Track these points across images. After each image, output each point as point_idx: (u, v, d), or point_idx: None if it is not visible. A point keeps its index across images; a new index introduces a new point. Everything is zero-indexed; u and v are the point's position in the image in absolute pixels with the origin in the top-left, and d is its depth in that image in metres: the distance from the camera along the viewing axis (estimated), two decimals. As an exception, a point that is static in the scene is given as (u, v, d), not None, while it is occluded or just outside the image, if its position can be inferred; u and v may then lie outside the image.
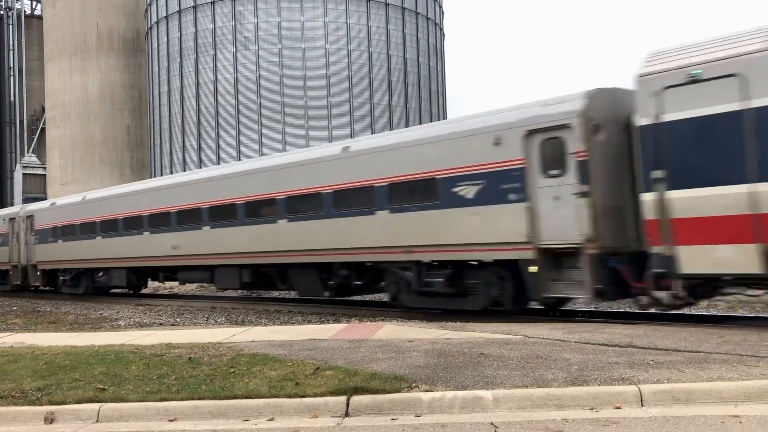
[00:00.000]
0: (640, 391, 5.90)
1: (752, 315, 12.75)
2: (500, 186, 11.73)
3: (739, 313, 13.15)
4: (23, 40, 60.48)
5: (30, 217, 27.51)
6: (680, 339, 8.19)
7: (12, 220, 28.84)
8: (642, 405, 5.82)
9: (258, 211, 16.75)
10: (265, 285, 17.98)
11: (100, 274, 23.52)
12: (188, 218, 18.89)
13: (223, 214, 17.72)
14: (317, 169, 15.30)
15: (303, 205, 15.49)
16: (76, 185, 46.30)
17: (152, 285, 29.81)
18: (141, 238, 20.85)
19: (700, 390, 5.86)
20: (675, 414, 5.53)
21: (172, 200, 19.61)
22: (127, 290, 24.50)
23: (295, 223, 15.67)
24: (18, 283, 28.32)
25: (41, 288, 27.56)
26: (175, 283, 27.03)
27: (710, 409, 5.61)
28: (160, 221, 20.07)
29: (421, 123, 36.43)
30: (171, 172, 37.54)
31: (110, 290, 24.67)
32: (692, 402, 5.78)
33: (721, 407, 5.65)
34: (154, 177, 39.99)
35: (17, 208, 29.45)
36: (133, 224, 21.25)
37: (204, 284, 22.17)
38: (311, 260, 15.38)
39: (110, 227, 22.35)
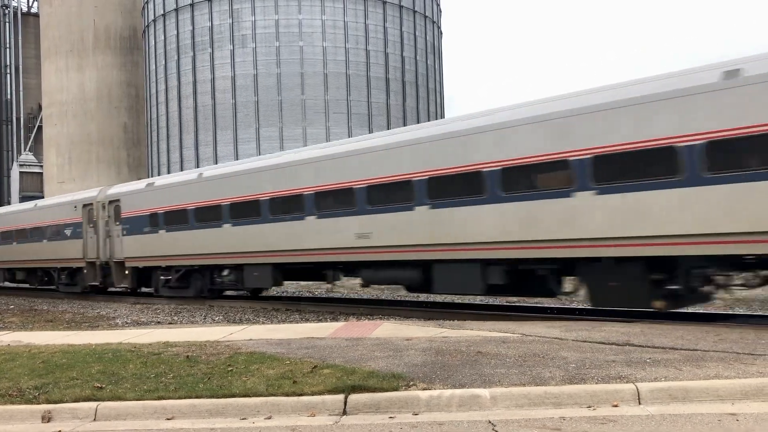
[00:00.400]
0: (637, 389, 5.91)
1: (749, 313, 12.77)
2: None
3: (736, 311, 13.17)
4: (20, 37, 60.37)
5: (114, 202, 21.99)
6: (677, 337, 8.20)
7: (87, 206, 23.19)
8: (639, 403, 5.82)
9: (529, 181, 11.64)
10: (524, 289, 12.88)
11: (225, 272, 18.45)
12: (388, 196, 13.77)
13: (456, 189, 12.57)
14: (663, 110, 9.75)
15: (631, 169, 10.25)
16: (73, 183, 46.25)
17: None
18: (302, 224, 15.57)
19: (697, 388, 5.87)
20: (672, 412, 5.54)
21: (357, 172, 14.43)
22: (240, 292, 20.31)
23: (610, 196, 10.47)
24: (95, 283, 23.26)
25: (128, 290, 22.44)
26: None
27: (707, 407, 5.62)
28: (335, 202, 14.89)
29: (419, 122, 36.48)
30: (168, 171, 37.51)
31: (224, 292, 20.11)
32: (689, 400, 5.78)
33: (719, 405, 5.67)
34: (152, 176, 39.92)
35: (94, 192, 23.83)
36: (287, 206, 15.96)
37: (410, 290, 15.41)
38: (641, 253, 10.28)
39: (247, 212, 17.06)
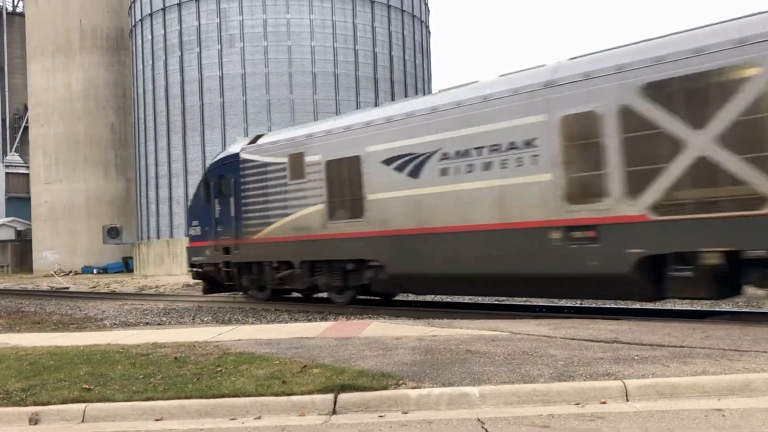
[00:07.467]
0: (625, 386, 5.95)
1: (735, 310, 12.88)
2: None
3: (723, 308, 13.27)
4: (5, 37, 59.93)
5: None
6: (665, 334, 8.26)
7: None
8: (627, 400, 5.87)
9: None
10: None
11: None
12: None
13: None
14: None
15: None
16: (60, 184, 45.99)
17: (142, 283, 29.41)
18: None
19: (684, 384, 5.92)
20: (660, 408, 5.59)
21: None
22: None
23: None
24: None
25: None
26: (163, 283, 26.44)
27: (694, 403, 5.67)
28: None
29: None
30: (156, 172, 37.32)
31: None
32: (676, 396, 5.83)
33: (705, 401, 5.72)
34: (139, 176, 39.66)
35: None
36: None
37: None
38: None
39: None
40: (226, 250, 17.05)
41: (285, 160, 15.41)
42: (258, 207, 16.10)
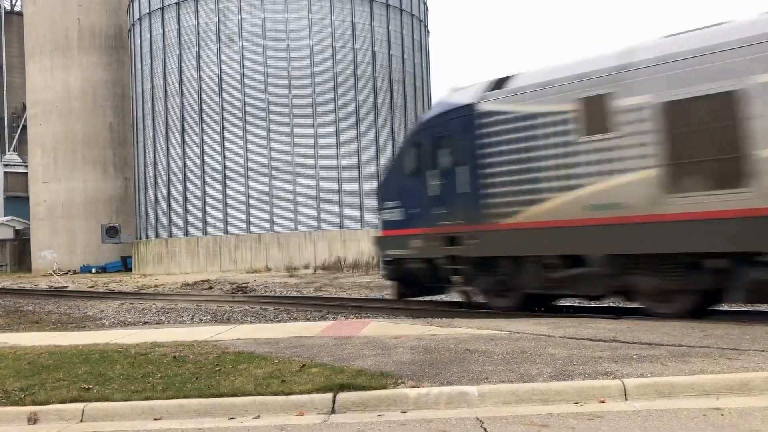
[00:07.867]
0: (624, 385, 5.95)
1: (734, 309, 12.88)
2: None
3: (722, 307, 13.26)
4: (3, 36, 59.87)
5: None
6: (663, 333, 8.27)
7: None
8: (626, 399, 5.87)
9: None
10: None
11: None
12: None
13: None
14: None
15: None
16: (59, 183, 45.97)
17: (141, 282, 29.49)
18: None
19: (682, 383, 5.92)
20: (658, 407, 5.59)
21: None
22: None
23: None
24: None
25: None
26: (162, 282, 26.50)
27: (693, 402, 5.67)
28: None
29: (406, 120, 36.55)
30: (155, 171, 37.33)
31: None
32: (675, 395, 5.84)
33: (704, 400, 5.72)
34: (138, 176, 39.61)
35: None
36: None
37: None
38: None
39: None
40: (451, 240, 12.60)
41: (571, 106, 10.82)
42: (514, 178, 11.57)
